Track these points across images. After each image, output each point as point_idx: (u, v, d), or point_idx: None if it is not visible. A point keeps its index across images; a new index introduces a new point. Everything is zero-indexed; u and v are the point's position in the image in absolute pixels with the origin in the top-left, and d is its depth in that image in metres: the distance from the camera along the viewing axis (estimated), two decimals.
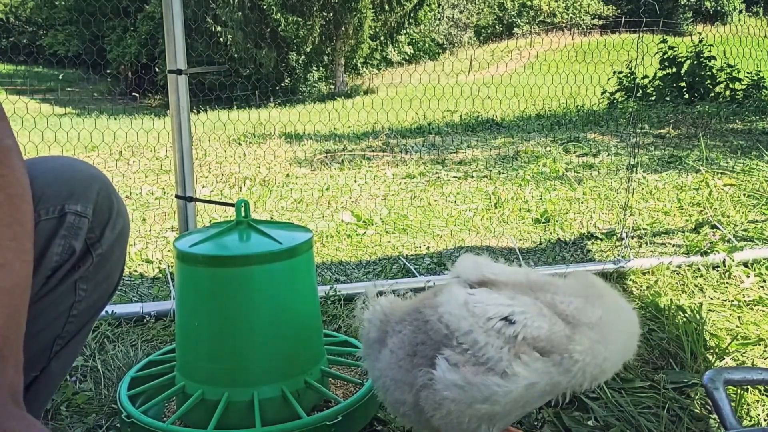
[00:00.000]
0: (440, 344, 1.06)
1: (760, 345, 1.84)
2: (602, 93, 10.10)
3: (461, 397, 1.01)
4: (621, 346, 1.10)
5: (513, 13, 32.21)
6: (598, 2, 32.31)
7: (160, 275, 2.75)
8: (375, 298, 1.20)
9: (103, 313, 2.10)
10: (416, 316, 1.12)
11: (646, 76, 9.91)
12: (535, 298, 1.07)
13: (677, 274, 2.47)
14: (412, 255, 2.97)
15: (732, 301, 2.19)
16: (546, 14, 31.87)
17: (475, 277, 1.13)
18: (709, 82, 9.58)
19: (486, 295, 1.08)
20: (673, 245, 2.90)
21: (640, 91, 9.68)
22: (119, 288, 2.53)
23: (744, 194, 3.82)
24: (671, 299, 2.16)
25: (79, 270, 1.06)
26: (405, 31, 24.43)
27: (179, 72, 2.02)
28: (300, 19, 20.98)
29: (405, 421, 1.17)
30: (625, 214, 3.18)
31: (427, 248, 3.10)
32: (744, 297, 2.22)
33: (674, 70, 9.77)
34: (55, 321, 1.06)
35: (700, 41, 9.82)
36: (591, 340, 1.05)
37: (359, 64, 24.29)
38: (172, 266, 2.71)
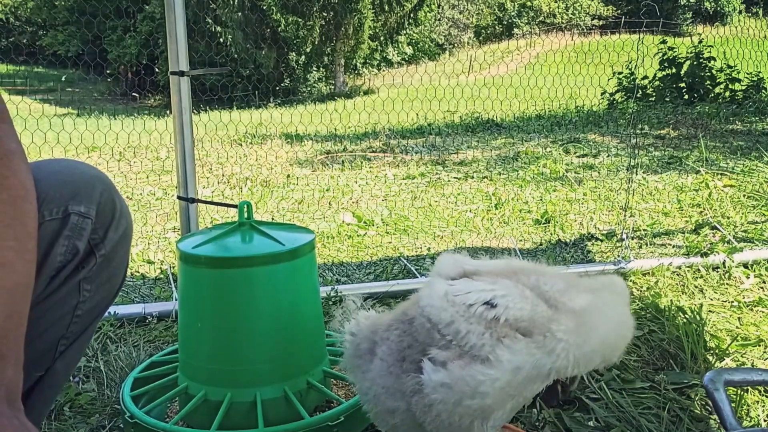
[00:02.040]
0: (425, 345, 1.06)
1: (760, 346, 1.85)
2: (602, 94, 10.11)
3: (448, 397, 1.00)
4: (607, 338, 1.08)
5: (513, 13, 32.23)
6: (598, 3, 32.33)
7: (162, 276, 2.75)
8: (356, 312, 1.19)
9: (106, 313, 2.11)
10: (402, 319, 1.12)
11: (645, 77, 9.92)
12: (516, 280, 1.07)
13: (677, 275, 2.47)
14: (413, 256, 2.98)
15: (732, 302, 2.20)
16: (546, 15, 31.89)
17: (456, 273, 1.13)
18: (708, 82, 9.59)
19: (466, 284, 1.08)
20: (673, 246, 2.90)
21: (640, 92, 9.69)
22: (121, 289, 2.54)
23: (744, 195, 3.83)
24: (671, 300, 2.17)
25: (82, 270, 1.07)
26: (405, 32, 24.44)
27: (181, 74, 2.03)
28: (300, 20, 20.98)
29: None
30: (625, 215, 3.19)
31: (428, 249, 3.11)
32: (744, 298, 2.23)
33: (674, 70, 9.78)
34: (59, 321, 1.07)
35: (700, 42, 9.83)
36: (575, 323, 1.04)
37: (359, 65, 24.30)
38: (173, 267, 2.71)
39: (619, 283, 1.16)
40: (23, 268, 0.88)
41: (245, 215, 1.55)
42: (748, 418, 1.49)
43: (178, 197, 2.15)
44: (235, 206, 1.59)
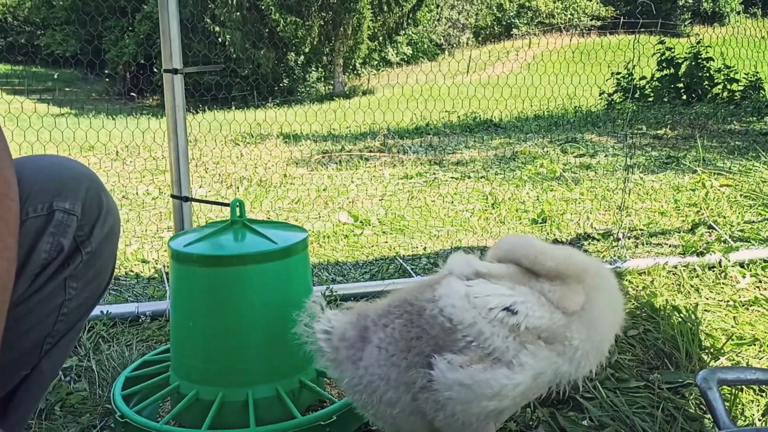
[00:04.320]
0: (438, 339, 1.04)
1: (755, 345, 1.84)
2: (600, 94, 10.11)
3: (467, 397, 1.00)
4: (610, 322, 1.11)
5: (511, 14, 32.25)
6: (597, 3, 32.35)
7: (156, 275, 2.74)
8: (322, 312, 1.18)
9: (98, 312, 2.10)
10: (407, 308, 1.09)
11: (644, 77, 9.92)
12: (530, 287, 1.08)
13: (673, 274, 2.47)
14: (409, 255, 2.97)
15: (727, 301, 2.20)
16: (544, 15, 31.91)
17: (470, 273, 1.12)
18: (706, 83, 9.59)
19: (485, 286, 1.07)
20: (670, 246, 2.90)
21: (638, 93, 9.68)
22: (115, 288, 2.53)
23: (740, 195, 3.82)
24: (667, 299, 2.16)
25: (68, 268, 1.06)
26: (404, 32, 24.45)
27: (175, 71, 2.02)
28: (298, 20, 20.97)
29: (389, 427, 1.12)
30: (621, 215, 3.18)
31: (424, 248, 3.10)
32: (740, 297, 2.22)
33: (672, 71, 9.79)
34: (44, 319, 1.06)
35: (698, 42, 9.83)
36: (584, 326, 1.05)
37: (358, 65, 24.30)
38: (167, 266, 2.70)
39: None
40: (2, 267, 0.86)
41: (237, 213, 1.54)
42: (743, 418, 1.48)
43: (172, 196, 2.14)
44: (228, 205, 1.58)
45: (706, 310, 2.10)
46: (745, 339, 1.87)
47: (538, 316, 1.03)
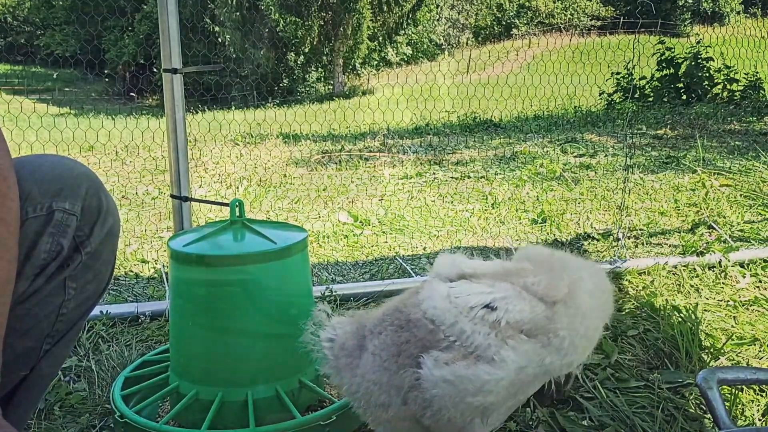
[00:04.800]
0: (425, 341, 1.06)
1: (755, 345, 1.84)
2: (600, 94, 10.11)
3: (451, 393, 1.01)
4: (598, 309, 1.11)
5: (511, 14, 32.27)
6: (597, 3, 32.36)
7: (156, 275, 2.74)
8: (328, 321, 1.19)
9: (98, 312, 2.10)
10: (397, 316, 1.12)
11: (643, 77, 9.92)
12: (512, 283, 1.09)
13: (673, 274, 2.46)
14: (408, 255, 2.97)
15: (727, 301, 2.19)
16: (544, 15, 31.92)
17: (454, 274, 1.14)
18: (706, 83, 9.60)
19: (466, 286, 1.09)
20: (670, 245, 2.90)
21: (638, 92, 9.68)
22: (114, 288, 2.53)
23: (740, 195, 3.82)
24: (667, 299, 2.16)
25: (67, 268, 1.05)
26: (403, 32, 24.47)
27: (174, 71, 2.02)
28: (298, 20, 20.98)
29: (384, 430, 1.14)
30: (621, 215, 3.18)
31: (424, 248, 3.10)
32: (739, 297, 2.22)
33: (672, 71, 9.79)
34: (44, 320, 1.06)
35: (698, 42, 9.83)
36: (568, 315, 1.06)
37: (358, 65, 24.31)
38: (167, 266, 2.70)
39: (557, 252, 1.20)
40: (3, 268, 0.86)
41: (237, 213, 1.53)
42: (743, 417, 1.48)
43: (172, 196, 2.14)
44: (227, 205, 1.57)
45: (706, 310, 2.10)
46: (745, 339, 1.87)
47: (518, 310, 1.04)
